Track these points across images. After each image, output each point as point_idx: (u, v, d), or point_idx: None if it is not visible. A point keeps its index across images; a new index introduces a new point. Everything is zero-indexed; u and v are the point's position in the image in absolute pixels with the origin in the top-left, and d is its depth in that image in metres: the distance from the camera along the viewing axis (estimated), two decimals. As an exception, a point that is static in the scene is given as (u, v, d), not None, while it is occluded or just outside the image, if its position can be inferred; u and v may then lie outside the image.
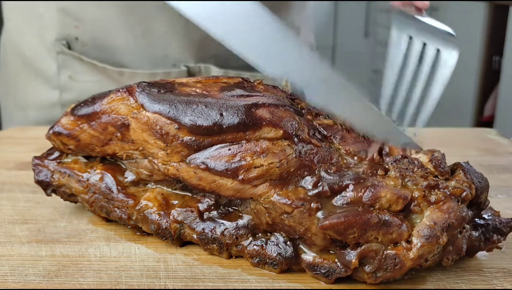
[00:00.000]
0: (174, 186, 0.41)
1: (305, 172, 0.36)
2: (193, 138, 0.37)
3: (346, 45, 3.07)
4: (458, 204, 0.35)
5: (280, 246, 0.37)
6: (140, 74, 0.71)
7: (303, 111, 0.39)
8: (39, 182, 0.44)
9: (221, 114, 0.36)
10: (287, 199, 0.35)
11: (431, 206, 0.34)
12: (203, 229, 0.39)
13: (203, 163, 0.37)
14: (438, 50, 0.45)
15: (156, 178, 0.41)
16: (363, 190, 0.34)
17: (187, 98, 0.38)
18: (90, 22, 0.70)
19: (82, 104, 0.42)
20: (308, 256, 0.36)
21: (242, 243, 0.38)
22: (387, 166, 0.36)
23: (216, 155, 0.37)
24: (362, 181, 0.35)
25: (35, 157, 0.44)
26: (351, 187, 0.35)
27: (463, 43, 2.03)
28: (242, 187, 0.36)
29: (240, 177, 0.36)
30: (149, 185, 0.42)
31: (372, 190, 0.34)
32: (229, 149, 0.36)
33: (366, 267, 0.34)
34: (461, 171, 0.37)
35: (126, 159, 0.42)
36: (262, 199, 0.36)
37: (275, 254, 0.37)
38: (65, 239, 0.41)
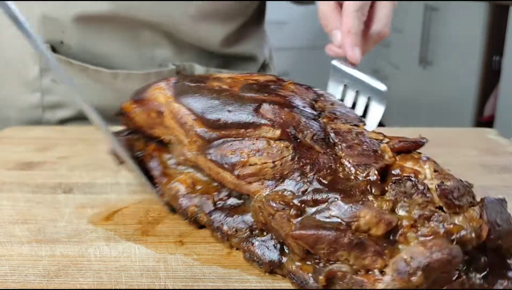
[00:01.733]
0: (205, 173, 0.42)
1: (298, 177, 0.35)
2: (205, 130, 0.39)
3: (346, 45, 3.06)
4: (450, 244, 0.30)
5: (269, 248, 0.37)
6: (134, 75, 0.72)
7: (322, 114, 0.38)
8: (112, 153, 0.49)
9: (228, 110, 0.38)
10: (271, 201, 0.35)
11: (419, 239, 0.30)
12: (213, 217, 0.40)
13: (210, 154, 0.38)
14: (369, 98, 0.48)
15: (189, 163, 0.43)
16: (345, 206, 0.32)
17: (209, 92, 0.40)
18: (76, 28, 0.70)
19: (139, 90, 0.47)
20: (290, 263, 0.35)
21: (239, 236, 0.38)
22: (387, 187, 0.33)
23: (220, 148, 0.38)
24: (349, 196, 0.33)
25: (113, 132, 0.49)
26: (335, 200, 0.33)
27: (463, 43, 2.03)
28: (239, 183, 0.37)
29: (236, 172, 0.37)
30: (185, 168, 0.44)
31: (353, 207, 0.32)
32: (231, 145, 0.38)
33: (334, 287, 0.32)
34: (477, 206, 0.32)
35: (167, 143, 0.46)
36: (255, 197, 0.36)
37: (261, 254, 0.37)
38: (65, 239, 0.41)
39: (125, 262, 0.38)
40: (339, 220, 0.32)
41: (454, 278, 0.30)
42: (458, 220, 0.31)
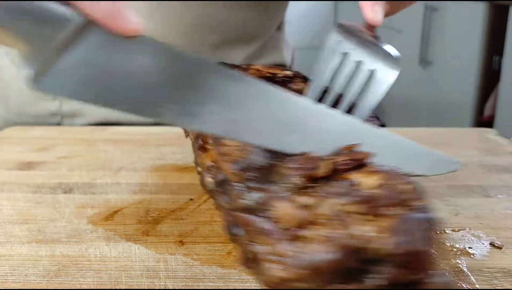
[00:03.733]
0: None
1: (255, 164, 0.38)
2: None
3: (346, 45, 3.07)
4: (336, 248, 0.30)
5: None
6: None
7: None
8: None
9: None
10: (233, 180, 0.37)
11: (317, 237, 0.31)
12: (217, 188, 0.43)
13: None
14: (372, 71, 0.41)
15: None
16: (270, 197, 0.34)
17: None
18: None
19: None
20: (243, 238, 0.37)
21: (225, 208, 0.41)
22: (318, 187, 0.34)
23: None
24: (278, 187, 0.35)
25: None
26: (266, 188, 0.35)
27: (463, 43, 2.03)
28: (219, 159, 0.40)
29: (218, 149, 0.40)
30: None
31: (270, 197, 0.34)
32: None
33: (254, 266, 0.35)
34: (393, 218, 0.31)
35: None
36: (227, 175, 0.39)
37: (228, 225, 0.39)
38: (65, 239, 0.41)
39: (125, 262, 0.38)
40: (259, 206, 0.34)
41: (341, 282, 0.30)
42: (363, 228, 0.30)
